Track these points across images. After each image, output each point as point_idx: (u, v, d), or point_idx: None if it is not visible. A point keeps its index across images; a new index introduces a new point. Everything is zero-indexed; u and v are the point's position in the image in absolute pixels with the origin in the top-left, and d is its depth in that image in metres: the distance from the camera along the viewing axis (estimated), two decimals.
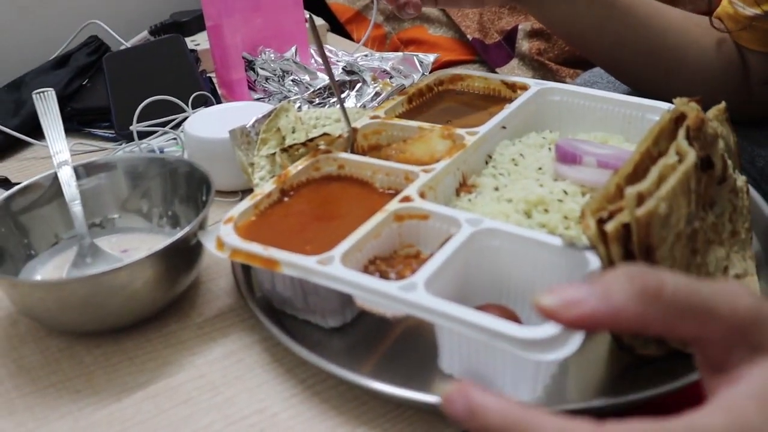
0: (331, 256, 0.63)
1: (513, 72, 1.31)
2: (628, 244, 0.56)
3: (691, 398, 0.65)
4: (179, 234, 0.69)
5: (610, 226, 0.55)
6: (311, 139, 0.79)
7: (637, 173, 0.62)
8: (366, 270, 0.66)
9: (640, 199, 0.55)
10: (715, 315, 0.41)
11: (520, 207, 0.72)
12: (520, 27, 1.32)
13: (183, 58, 1.20)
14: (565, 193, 0.74)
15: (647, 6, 0.98)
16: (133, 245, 0.82)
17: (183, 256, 0.72)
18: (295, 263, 0.63)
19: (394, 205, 0.69)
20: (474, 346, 0.58)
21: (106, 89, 1.17)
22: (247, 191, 0.89)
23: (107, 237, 0.83)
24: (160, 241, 0.81)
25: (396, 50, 1.42)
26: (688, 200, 0.59)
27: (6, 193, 0.78)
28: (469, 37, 1.35)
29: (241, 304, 0.74)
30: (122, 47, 1.32)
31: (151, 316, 0.73)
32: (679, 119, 0.69)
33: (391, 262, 0.67)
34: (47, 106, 0.88)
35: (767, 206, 0.81)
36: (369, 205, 0.74)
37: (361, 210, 0.73)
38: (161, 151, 1.00)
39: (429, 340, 0.63)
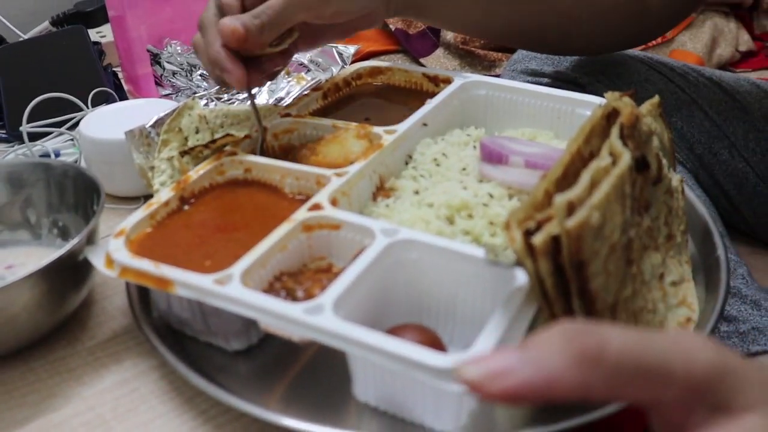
0: (230, 274, 0.56)
1: (438, 61, 1.25)
2: (557, 258, 0.50)
3: (619, 425, 0.59)
4: (62, 249, 0.62)
5: (537, 239, 0.49)
6: (214, 140, 0.73)
7: (568, 176, 0.57)
8: (271, 288, 0.59)
9: (571, 208, 0.50)
10: (668, 378, 0.35)
11: (441, 212, 0.66)
12: None
13: (85, 52, 1.12)
14: (491, 196, 0.68)
15: None
16: (19, 260, 0.74)
17: (70, 274, 0.65)
18: (189, 283, 0.56)
19: (302, 213, 0.63)
20: (389, 374, 0.52)
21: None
22: (149, 197, 0.82)
23: None
24: (49, 253, 0.73)
25: None
26: (622, 207, 0.54)
27: None
28: (392, 27, 1.28)
29: (136, 326, 0.67)
30: (20, 40, 1.23)
31: (35, 342, 0.65)
32: (611, 115, 0.64)
33: (299, 277, 0.61)
34: None
35: (702, 206, 0.76)
36: (277, 214, 0.67)
37: (269, 219, 0.66)
38: (57, 154, 0.92)
39: (342, 363, 0.57)
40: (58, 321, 0.66)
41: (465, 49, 1.24)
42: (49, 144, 0.93)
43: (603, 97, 0.76)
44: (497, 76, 1.23)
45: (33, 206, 0.75)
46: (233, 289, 0.55)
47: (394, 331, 0.54)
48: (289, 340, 0.63)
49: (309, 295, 0.57)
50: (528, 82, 1.04)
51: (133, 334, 0.67)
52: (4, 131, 1.02)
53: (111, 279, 0.70)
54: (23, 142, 0.96)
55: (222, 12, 0.72)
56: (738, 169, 0.98)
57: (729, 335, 0.83)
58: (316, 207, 0.63)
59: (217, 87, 0.90)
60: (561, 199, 0.50)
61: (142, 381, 0.62)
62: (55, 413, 0.59)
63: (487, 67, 1.24)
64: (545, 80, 1.05)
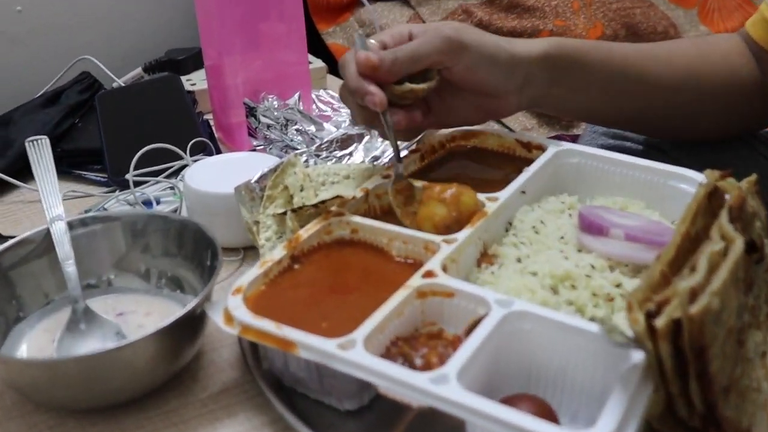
0: (353, 339, 0.58)
1: (517, 119, 1.27)
2: (677, 341, 0.52)
3: None
4: (185, 309, 0.65)
5: (660, 322, 0.51)
6: (324, 201, 0.75)
7: (679, 257, 0.59)
8: (388, 353, 0.61)
9: (693, 294, 0.52)
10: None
11: (546, 282, 0.68)
12: None
13: (179, 99, 1.16)
14: (593, 267, 0.70)
15: (657, 63, 0.94)
16: (130, 308, 0.77)
17: (187, 329, 0.68)
18: (313, 346, 0.59)
19: (416, 280, 0.65)
20: None
21: (98, 130, 1.12)
22: (249, 248, 0.85)
23: (102, 297, 0.78)
24: (158, 303, 0.77)
25: None
26: (737, 291, 0.56)
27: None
28: None
29: (247, 379, 0.70)
30: (115, 84, 1.28)
31: (152, 391, 0.68)
32: (712, 194, 0.66)
33: (414, 343, 0.63)
34: (40, 155, 0.84)
35: None
36: (386, 276, 0.70)
37: (379, 281, 0.69)
38: (158, 201, 0.96)
39: (450, 423, 0.59)
40: (174, 373, 0.69)
41: None
42: (149, 191, 0.97)
43: (687, 165, 0.79)
44: (576, 136, 1.25)
45: (148, 256, 0.78)
46: (357, 354, 0.57)
47: (510, 401, 0.56)
48: (397, 403, 0.65)
49: (427, 362, 0.60)
50: (610, 144, 1.06)
51: (244, 387, 0.69)
52: (104, 175, 1.06)
53: (219, 330, 0.73)
54: (123, 188, 1.00)
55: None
56: None
57: None
58: (429, 274, 0.65)
59: (317, 144, 0.93)
60: (684, 286, 0.52)
61: None
62: None
63: (565, 126, 1.26)
64: (628, 143, 1.06)
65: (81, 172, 1.08)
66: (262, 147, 1.05)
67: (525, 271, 0.70)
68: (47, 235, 0.77)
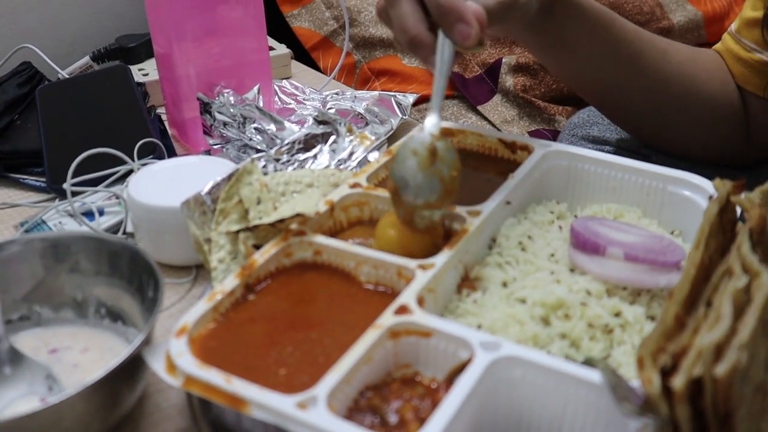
0: (314, 396, 0.50)
1: (496, 109, 1.19)
2: (697, 402, 0.44)
3: None
4: (120, 358, 0.56)
5: (678, 383, 0.43)
6: (281, 220, 0.66)
7: (693, 293, 0.51)
8: (356, 406, 0.53)
9: (718, 351, 0.43)
10: None
11: (536, 312, 0.60)
12: (504, 60, 1.20)
13: (128, 93, 1.06)
14: (588, 293, 0.62)
15: (652, 50, 0.90)
16: (65, 343, 0.68)
17: (127, 376, 0.59)
18: (267, 405, 0.50)
19: (388, 318, 0.56)
20: None
21: (39, 128, 1.02)
22: (201, 267, 0.76)
23: (32, 331, 0.69)
24: (97, 336, 0.69)
25: (366, 81, 1.29)
26: (765, 337, 0.47)
27: None
28: None
29: (197, 429, 0.61)
30: (59, 76, 1.18)
31: None
32: (724, 210, 0.58)
33: (386, 393, 0.54)
34: None
35: None
36: (353, 307, 0.62)
37: (345, 314, 0.61)
38: (101, 212, 0.86)
39: None
40: (111, 426, 0.60)
41: (524, 98, 1.18)
42: (90, 199, 0.87)
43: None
44: (557, 132, 1.17)
45: (79, 284, 0.69)
46: (319, 415, 0.48)
47: None
48: None
49: (401, 419, 0.51)
50: (589, 149, 0.99)
51: None
52: (42, 179, 0.96)
53: None
54: (63, 197, 0.90)
55: None
56: None
57: None
58: (403, 310, 0.57)
59: (277, 147, 0.84)
60: (707, 343, 0.43)
61: None
62: None
63: (546, 119, 1.18)
64: (607, 148, 1.00)
65: (19, 176, 0.98)
66: (219, 146, 0.96)
67: (512, 297, 0.62)
68: None
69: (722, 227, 0.58)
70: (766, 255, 0.54)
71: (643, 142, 0.99)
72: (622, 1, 1.28)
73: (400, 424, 0.51)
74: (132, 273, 0.67)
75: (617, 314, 0.61)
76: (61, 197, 0.91)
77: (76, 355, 0.67)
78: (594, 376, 0.50)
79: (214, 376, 0.52)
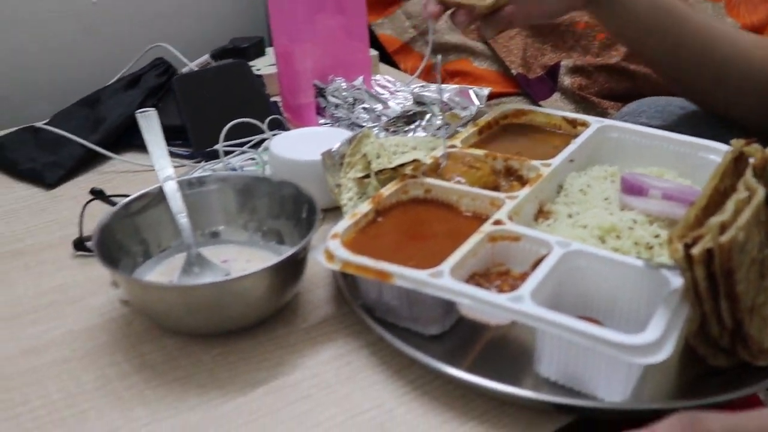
0: (441, 270, 0.71)
1: (555, 104, 1.39)
2: (710, 266, 0.64)
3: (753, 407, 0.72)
4: (293, 250, 0.77)
5: (696, 250, 0.63)
6: (402, 164, 0.88)
7: (710, 206, 0.71)
8: (468, 282, 0.74)
9: (722, 228, 0.64)
10: None
11: (594, 233, 0.80)
12: (562, 63, 1.40)
13: (250, 83, 1.28)
14: (634, 221, 0.82)
15: (699, 19, 1.06)
16: (232, 256, 0.90)
17: (292, 269, 0.80)
18: (407, 276, 0.71)
19: (488, 227, 0.77)
20: (573, 351, 0.66)
21: (176, 109, 1.25)
22: (327, 210, 0.97)
23: (208, 247, 0.90)
24: (257, 253, 0.90)
25: (442, 81, 1.50)
26: (759, 230, 0.68)
27: (127, 199, 0.87)
28: (513, 71, 1.43)
29: (342, 312, 0.82)
30: (186, 69, 1.40)
31: (261, 322, 0.80)
32: (738, 159, 0.78)
33: (488, 277, 0.75)
34: (149, 124, 0.96)
35: None
36: (457, 227, 0.82)
37: (452, 231, 0.81)
38: (242, 170, 1.08)
39: (518, 347, 0.72)
40: (279, 307, 0.81)
41: (580, 95, 1.39)
42: (234, 161, 1.09)
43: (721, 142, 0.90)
44: None
45: (250, 212, 0.91)
46: (447, 281, 0.69)
47: None
48: (472, 330, 0.77)
49: (501, 290, 0.72)
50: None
51: (339, 319, 0.81)
52: (185, 149, 1.18)
53: (313, 276, 0.86)
54: (207, 159, 1.12)
55: None
56: None
57: None
58: (498, 222, 0.78)
59: (386, 120, 1.06)
60: (715, 221, 0.64)
61: (354, 356, 0.76)
62: (287, 377, 0.74)
63: (599, 113, 1.38)
64: None
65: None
66: (329, 125, 1.17)
67: (576, 224, 0.82)
68: (160, 192, 0.89)
69: (737, 173, 0.78)
70: (766, 185, 0.74)
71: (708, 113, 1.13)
72: None
73: (499, 292, 0.72)
74: (294, 204, 0.88)
75: (656, 236, 0.81)
76: (206, 160, 1.13)
77: (243, 264, 0.88)
78: (638, 262, 0.71)
79: (364, 259, 0.74)
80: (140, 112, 0.97)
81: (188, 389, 0.74)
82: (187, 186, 0.90)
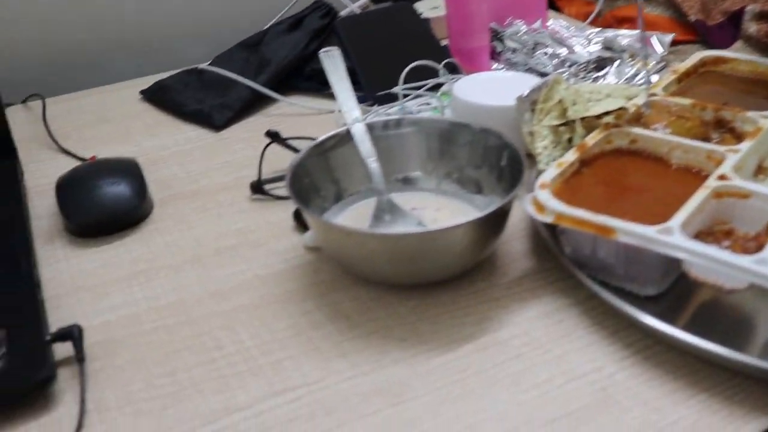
0: (670, 227, 0.65)
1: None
2: None
3: None
4: (506, 198, 0.73)
5: None
6: (607, 112, 0.82)
7: None
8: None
9: None
10: None
11: None
12: (747, 9, 1.31)
13: (417, 26, 1.24)
14: None
15: None
16: (421, 204, 0.86)
17: (499, 220, 0.76)
18: (632, 231, 0.66)
19: (713, 183, 0.71)
20: None
21: (343, 52, 1.21)
22: None
23: (395, 194, 0.86)
24: (446, 201, 0.86)
25: (608, 27, 1.43)
26: None
27: (321, 138, 0.85)
28: (692, 17, 1.35)
29: (545, 267, 0.78)
30: (345, 11, 1.37)
31: (460, 275, 0.77)
32: None
33: (714, 236, 0.70)
34: (334, 64, 0.93)
35: None
36: (669, 181, 0.76)
37: (667, 184, 0.76)
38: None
39: (750, 313, 0.67)
40: (481, 259, 0.78)
41: (767, 43, 1.30)
42: (410, 104, 1.05)
43: None
44: None
45: (453, 160, 0.87)
46: (678, 238, 0.64)
47: None
48: (689, 292, 0.72)
49: (733, 251, 0.66)
50: None
51: (542, 274, 0.77)
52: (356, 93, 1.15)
53: (511, 227, 0.81)
54: (382, 103, 1.09)
55: None
56: None
57: None
58: (723, 177, 0.72)
59: (576, 65, 1.00)
60: None
61: (564, 314, 0.72)
62: (495, 333, 0.70)
63: None
64: None
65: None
66: (503, 70, 1.12)
67: None
68: (347, 134, 0.86)
69: None
70: None
71: None
72: None
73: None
74: (496, 153, 0.84)
75: None
76: (379, 104, 1.09)
77: (432, 213, 0.84)
78: None
79: (581, 212, 0.69)
80: (324, 52, 0.94)
81: (388, 342, 0.71)
82: (381, 128, 0.87)
